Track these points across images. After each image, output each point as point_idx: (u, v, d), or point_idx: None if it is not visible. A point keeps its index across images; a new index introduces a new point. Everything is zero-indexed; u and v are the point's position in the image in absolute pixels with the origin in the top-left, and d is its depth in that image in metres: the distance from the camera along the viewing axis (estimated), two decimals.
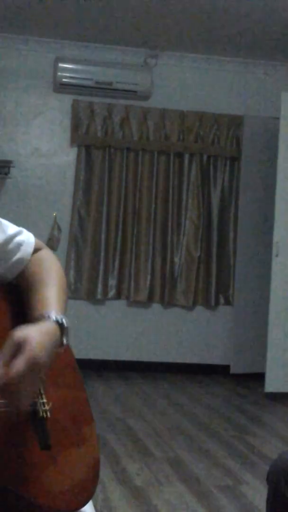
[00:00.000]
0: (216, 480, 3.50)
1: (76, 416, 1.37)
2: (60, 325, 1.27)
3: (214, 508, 3.13)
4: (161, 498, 3.21)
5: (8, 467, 1.20)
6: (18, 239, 1.42)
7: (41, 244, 1.49)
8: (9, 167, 5.84)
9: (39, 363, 1.17)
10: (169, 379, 5.91)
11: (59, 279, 1.42)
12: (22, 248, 1.42)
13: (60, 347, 1.27)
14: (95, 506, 1.36)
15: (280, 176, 5.45)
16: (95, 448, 1.36)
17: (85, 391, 1.42)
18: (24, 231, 1.45)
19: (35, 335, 1.19)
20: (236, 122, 6.19)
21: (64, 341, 1.28)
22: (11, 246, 1.41)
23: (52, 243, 5.85)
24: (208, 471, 3.62)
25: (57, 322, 1.27)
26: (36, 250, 1.46)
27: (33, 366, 1.16)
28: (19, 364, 1.15)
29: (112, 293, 6.09)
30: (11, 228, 1.42)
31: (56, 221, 5.99)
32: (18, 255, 1.42)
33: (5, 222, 1.42)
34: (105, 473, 3.40)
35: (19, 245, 1.42)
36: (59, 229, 6.00)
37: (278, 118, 5.54)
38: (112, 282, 6.08)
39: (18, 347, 1.17)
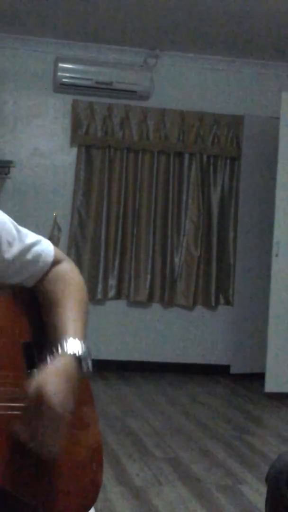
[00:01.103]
0: (216, 480, 3.50)
1: (80, 417, 1.36)
2: (76, 356, 1.25)
3: (214, 508, 3.13)
4: (161, 498, 3.21)
5: (10, 470, 1.19)
6: (36, 249, 1.38)
7: (61, 255, 1.44)
8: (9, 167, 5.83)
9: (60, 412, 1.17)
10: (169, 379, 5.91)
11: (78, 297, 1.37)
12: (41, 259, 1.38)
13: (82, 376, 1.25)
14: (95, 506, 1.36)
15: (280, 176, 5.45)
16: (99, 452, 1.36)
17: (89, 386, 1.41)
18: (43, 240, 1.41)
19: (50, 381, 1.18)
20: (236, 122, 6.19)
21: (85, 369, 1.26)
22: (29, 256, 1.36)
23: (52, 243, 5.84)
24: (208, 471, 3.62)
25: (73, 354, 1.25)
26: (56, 262, 1.41)
27: (55, 418, 1.16)
28: (42, 420, 1.16)
29: (112, 293, 6.09)
30: (29, 237, 1.38)
31: (56, 221, 5.99)
32: (37, 267, 1.37)
33: (24, 231, 1.38)
34: (105, 473, 3.38)
35: (38, 255, 1.37)
36: (59, 229, 6.00)
37: (278, 118, 5.54)
38: (112, 282, 6.08)
39: (39, 400, 1.16)
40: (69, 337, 1.27)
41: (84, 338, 1.30)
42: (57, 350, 1.25)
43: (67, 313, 1.32)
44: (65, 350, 1.24)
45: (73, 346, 1.25)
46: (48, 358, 1.24)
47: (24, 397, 1.19)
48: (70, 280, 1.40)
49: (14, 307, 1.35)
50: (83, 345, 1.26)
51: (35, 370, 1.28)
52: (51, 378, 1.19)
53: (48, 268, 1.40)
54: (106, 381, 5.64)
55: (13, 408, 1.21)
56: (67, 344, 1.25)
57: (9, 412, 1.21)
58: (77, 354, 1.25)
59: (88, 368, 1.26)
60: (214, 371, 6.16)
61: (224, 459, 3.85)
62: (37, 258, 1.38)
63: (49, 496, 1.23)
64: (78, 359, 1.25)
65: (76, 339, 1.27)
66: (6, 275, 1.35)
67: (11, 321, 1.33)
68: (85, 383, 1.38)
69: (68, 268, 1.43)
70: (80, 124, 6.02)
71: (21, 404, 1.21)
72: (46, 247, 1.40)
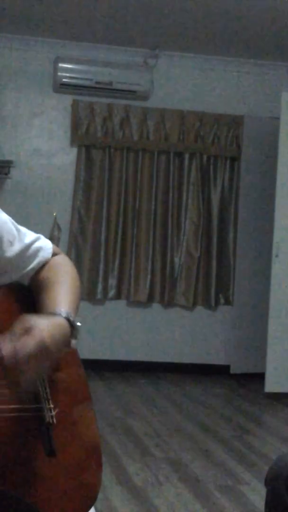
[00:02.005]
0: (216, 480, 3.50)
1: (78, 417, 1.36)
2: (70, 321, 1.28)
3: (214, 508, 3.13)
4: (161, 498, 3.21)
5: (11, 472, 1.19)
6: (35, 245, 1.43)
7: (58, 250, 1.50)
8: (9, 167, 5.83)
9: (47, 349, 1.18)
10: (169, 379, 5.91)
11: (72, 281, 1.42)
12: (40, 254, 1.43)
13: (69, 345, 1.27)
14: (95, 506, 1.36)
15: (280, 176, 5.45)
16: (98, 452, 1.36)
17: (82, 369, 1.42)
18: (42, 237, 1.46)
19: (45, 323, 1.21)
20: (236, 122, 6.19)
21: (73, 341, 1.28)
22: (29, 253, 1.41)
23: (52, 243, 5.84)
24: (208, 471, 3.62)
25: (67, 318, 1.28)
26: (52, 255, 1.47)
27: (41, 350, 1.17)
28: (28, 342, 1.16)
29: (112, 293, 6.09)
30: (28, 236, 1.43)
31: (56, 221, 5.99)
32: (35, 261, 1.43)
33: (23, 230, 1.43)
34: (105, 473, 3.38)
35: (37, 251, 1.43)
36: (59, 229, 6.00)
37: (278, 118, 5.53)
38: (112, 282, 6.08)
39: (28, 330, 1.18)
40: (64, 307, 1.31)
41: (76, 313, 1.33)
42: (53, 313, 1.28)
43: (63, 291, 1.37)
44: (61, 314, 1.28)
45: (68, 313, 1.29)
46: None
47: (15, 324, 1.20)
48: (65, 268, 1.45)
49: (13, 305, 1.37)
50: (74, 315, 1.30)
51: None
52: (45, 321, 1.22)
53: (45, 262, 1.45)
54: (106, 381, 5.64)
55: (11, 410, 1.21)
56: (62, 311, 1.29)
57: (9, 414, 1.21)
58: (69, 318, 1.28)
59: (76, 336, 1.29)
60: (214, 371, 6.16)
61: (224, 459, 3.85)
62: (36, 253, 1.43)
63: (48, 497, 1.23)
64: (71, 326, 1.28)
65: (69, 309, 1.31)
66: (7, 273, 1.38)
67: (11, 319, 1.33)
68: (84, 382, 1.38)
69: (64, 259, 1.48)
70: (80, 124, 6.02)
71: (21, 406, 1.21)
72: (45, 244, 1.46)
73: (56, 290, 1.37)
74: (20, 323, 1.19)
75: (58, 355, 1.23)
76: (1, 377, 1.18)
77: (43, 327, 1.19)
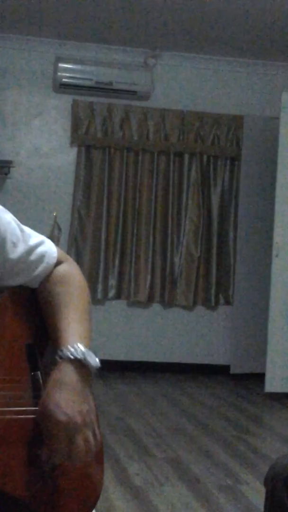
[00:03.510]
0: (216, 480, 3.50)
1: None
2: (77, 359, 1.24)
3: (214, 508, 3.13)
4: (161, 498, 3.21)
5: (12, 473, 1.19)
6: (40, 249, 1.37)
7: (64, 256, 1.44)
8: (9, 167, 5.84)
9: (70, 422, 1.18)
10: (169, 379, 5.91)
11: (79, 299, 1.37)
12: (45, 259, 1.37)
13: (89, 376, 1.25)
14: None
15: (280, 176, 5.45)
16: (100, 452, 1.36)
17: None
18: (46, 240, 1.41)
19: (52, 398, 1.19)
20: (236, 122, 6.19)
21: (93, 370, 1.25)
22: (33, 257, 1.36)
23: (57, 247, 5.84)
24: (208, 471, 3.62)
25: (75, 358, 1.24)
26: (58, 262, 1.41)
27: (66, 429, 1.17)
28: (56, 441, 1.18)
29: (112, 293, 6.09)
30: (33, 238, 1.38)
31: (56, 221, 5.98)
32: (40, 267, 1.37)
33: (28, 230, 1.38)
34: (105, 473, 3.39)
35: (42, 256, 1.37)
36: (59, 229, 6.00)
37: (278, 118, 5.53)
38: (112, 282, 6.08)
39: (44, 423, 1.19)
40: (69, 342, 1.26)
41: (86, 339, 1.29)
42: (58, 356, 1.25)
43: (69, 316, 1.32)
44: (65, 355, 1.24)
45: (72, 350, 1.24)
46: (51, 366, 1.25)
47: (36, 420, 1.20)
48: (71, 281, 1.39)
49: (16, 309, 1.35)
50: (81, 346, 1.25)
51: (38, 373, 1.28)
52: (51, 392, 1.20)
53: (51, 269, 1.39)
54: (106, 381, 5.64)
55: (16, 412, 1.21)
56: (68, 348, 1.25)
57: (14, 416, 1.21)
58: (77, 357, 1.24)
59: (93, 366, 1.25)
60: (214, 371, 6.16)
61: (224, 459, 3.85)
62: (41, 259, 1.37)
63: (50, 498, 1.23)
64: (79, 362, 1.24)
65: (76, 343, 1.26)
66: (10, 276, 1.35)
67: (14, 323, 1.32)
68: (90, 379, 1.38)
69: (70, 269, 1.42)
70: (80, 124, 6.02)
71: (26, 408, 1.21)
72: (49, 248, 1.40)
73: (64, 313, 1.32)
74: (38, 415, 1.20)
75: (89, 408, 1.22)
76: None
77: (54, 402, 1.18)
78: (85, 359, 1.24)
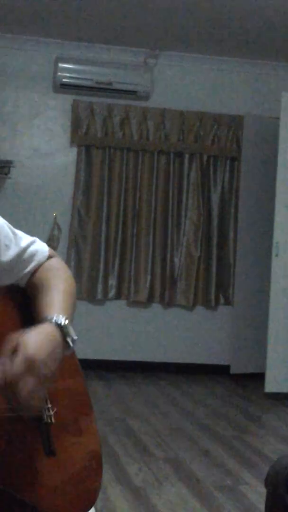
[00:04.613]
0: (216, 480, 3.50)
1: (78, 419, 1.36)
2: (60, 325, 1.26)
3: (214, 508, 3.13)
4: (161, 498, 3.21)
5: (11, 472, 1.19)
6: (31, 249, 1.43)
7: (53, 252, 1.49)
8: (9, 167, 5.83)
9: (36, 361, 1.17)
10: (169, 379, 5.91)
11: (66, 283, 1.41)
12: (36, 258, 1.43)
13: (65, 349, 1.26)
14: (95, 506, 1.36)
15: (280, 176, 5.45)
16: (98, 455, 1.36)
17: (84, 381, 1.41)
18: (37, 240, 1.46)
19: (30, 336, 1.20)
20: (236, 122, 6.19)
21: (70, 343, 1.27)
22: (25, 256, 1.41)
23: (52, 243, 5.85)
24: (208, 471, 3.62)
25: (57, 324, 1.26)
26: (48, 258, 1.46)
27: (31, 365, 1.16)
28: (16, 362, 1.15)
29: (112, 293, 6.09)
30: (24, 239, 1.43)
31: (56, 221, 5.99)
32: (31, 265, 1.42)
33: (19, 234, 1.43)
34: (105, 473, 3.38)
35: (33, 255, 1.42)
36: (59, 229, 6.00)
37: (278, 118, 5.54)
38: (112, 282, 6.08)
39: (15, 349, 1.17)
40: (55, 312, 1.29)
41: (70, 317, 1.31)
42: (43, 321, 1.27)
43: (56, 294, 1.36)
44: (50, 320, 1.27)
45: (57, 318, 1.27)
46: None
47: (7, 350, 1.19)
48: (59, 271, 1.44)
49: (11, 308, 1.37)
50: (66, 319, 1.28)
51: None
52: (31, 334, 1.21)
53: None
54: (106, 381, 5.64)
55: (11, 409, 1.21)
56: (52, 316, 1.28)
57: (9, 415, 1.21)
58: (59, 323, 1.26)
59: (71, 340, 1.27)
60: (214, 371, 6.16)
61: (224, 459, 3.85)
62: (32, 257, 1.42)
63: (48, 497, 1.23)
64: (62, 330, 1.26)
65: (61, 314, 1.29)
66: (3, 277, 1.39)
67: (9, 322, 1.33)
68: (83, 387, 1.38)
69: (58, 262, 1.47)
70: (80, 124, 6.02)
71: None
72: (41, 247, 1.45)
73: (49, 294, 1.36)
74: (7, 343, 1.18)
75: (53, 365, 1.21)
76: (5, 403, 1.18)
77: (29, 341, 1.18)
78: (65, 326, 1.26)
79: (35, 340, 1.19)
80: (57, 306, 1.32)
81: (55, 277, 1.41)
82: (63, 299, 1.35)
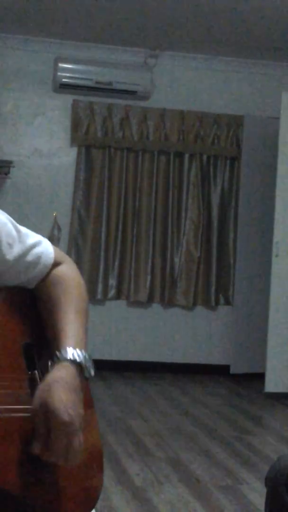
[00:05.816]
0: (216, 480, 3.50)
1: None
2: (79, 364, 1.25)
3: (214, 508, 3.13)
4: (161, 498, 3.21)
5: (11, 472, 1.19)
6: (36, 250, 1.37)
7: (62, 256, 1.44)
8: (9, 167, 5.83)
9: (73, 424, 1.19)
10: (169, 379, 5.91)
11: (78, 300, 1.37)
12: (41, 260, 1.38)
13: (84, 381, 1.26)
14: (95, 506, 1.36)
15: (280, 176, 5.45)
16: (100, 455, 1.36)
17: (89, 389, 1.41)
18: (43, 241, 1.40)
19: (55, 394, 1.19)
20: (236, 122, 6.19)
21: (87, 375, 1.26)
22: (30, 257, 1.36)
23: (52, 243, 5.84)
24: (208, 471, 3.62)
25: (75, 362, 1.25)
26: (56, 263, 1.41)
27: (69, 432, 1.18)
28: (58, 436, 1.18)
29: (112, 293, 6.09)
30: (30, 237, 1.38)
31: (56, 221, 5.99)
32: (37, 268, 1.37)
33: (24, 230, 1.38)
34: (105, 473, 3.38)
35: (39, 257, 1.37)
36: (59, 229, 6.00)
37: (278, 118, 5.54)
38: (112, 282, 6.08)
39: (45, 414, 1.18)
40: (69, 344, 1.27)
41: (84, 342, 1.30)
42: (57, 357, 1.25)
43: (67, 317, 1.32)
44: (66, 357, 1.25)
45: (73, 353, 1.26)
46: (49, 364, 1.25)
47: (31, 413, 1.20)
48: (69, 282, 1.39)
49: (14, 308, 1.35)
50: (82, 351, 1.27)
51: (35, 372, 1.28)
52: (54, 388, 1.20)
53: (49, 270, 1.39)
54: (106, 381, 5.64)
55: (14, 410, 1.21)
56: (67, 351, 1.26)
57: (12, 415, 1.21)
58: (77, 360, 1.25)
59: (90, 374, 1.27)
60: (214, 371, 6.16)
61: (224, 459, 3.85)
62: (37, 260, 1.37)
63: (49, 498, 1.23)
64: (79, 366, 1.25)
65: (77, 347, 1.27)
66: (7, 277, 1.36)
67: (11, 322, 1.33)
68: (85, 385, 1.37)
69: (68, 270, 1.42)
70: (80, 124, 6.02)
71: (23, 407, 1.21)
72: (46, 249, 1.40)
73: (62, 315, 1.32)
74: (35, 407, 1.19)
75: (81, 407, 1.22)
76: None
77: (59, 407, 1.18)
78: (85, 365, 1.26)
79: (59, 395, 1.19)
80: (72, 339, 1.28)
81: (65, 293, 1.36)
82: (78, 325, 1.32)
